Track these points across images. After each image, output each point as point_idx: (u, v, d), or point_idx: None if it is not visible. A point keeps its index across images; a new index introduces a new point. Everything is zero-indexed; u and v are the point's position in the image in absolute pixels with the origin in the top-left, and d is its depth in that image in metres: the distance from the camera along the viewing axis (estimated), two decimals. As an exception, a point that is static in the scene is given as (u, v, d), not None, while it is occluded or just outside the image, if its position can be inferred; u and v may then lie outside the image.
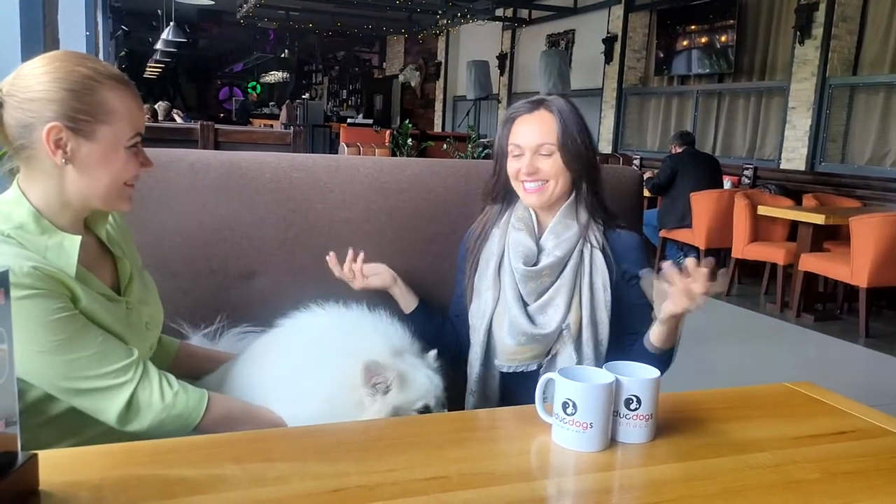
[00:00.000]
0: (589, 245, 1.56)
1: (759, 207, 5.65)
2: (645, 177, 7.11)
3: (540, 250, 1.57)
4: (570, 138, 1.53)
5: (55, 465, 0.91)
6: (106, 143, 1.15)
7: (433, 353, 1.42)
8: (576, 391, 1.05)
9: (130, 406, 1.14)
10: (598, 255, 1.55)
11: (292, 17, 11.14)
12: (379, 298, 1.57)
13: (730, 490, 0.96)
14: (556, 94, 1.65)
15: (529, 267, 1.54)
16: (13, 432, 0.85)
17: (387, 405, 1.22)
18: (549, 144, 1.53)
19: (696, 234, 6.24)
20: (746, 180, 7.10)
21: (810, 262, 5.14)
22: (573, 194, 1.57)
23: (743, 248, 5.84)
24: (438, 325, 1.67)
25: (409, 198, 1.81)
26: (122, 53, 14.07)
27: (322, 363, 1.29)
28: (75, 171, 1.14)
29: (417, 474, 0.96)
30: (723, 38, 7.98)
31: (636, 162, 8.65)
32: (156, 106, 9.39)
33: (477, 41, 12.29)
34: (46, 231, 1.15)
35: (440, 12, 9.64)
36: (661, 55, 8.91)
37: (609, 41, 9.35)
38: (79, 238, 1.17)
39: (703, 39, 8.27)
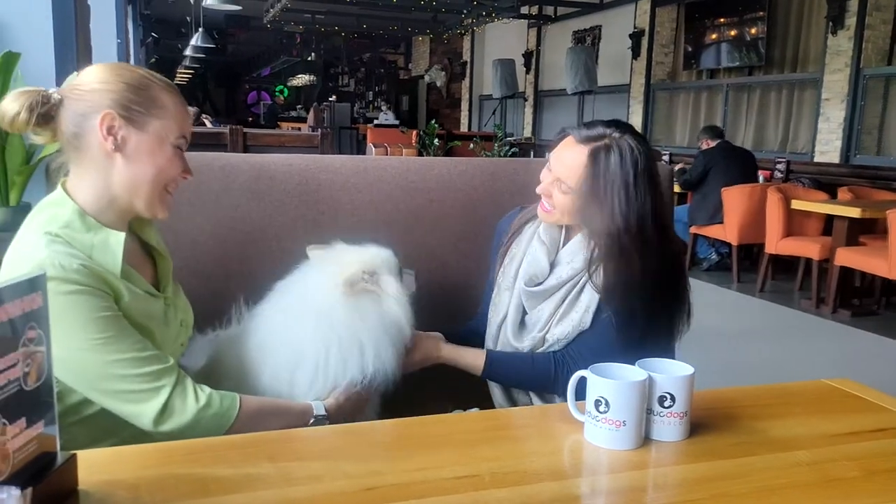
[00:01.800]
0: (589, 274, 1.45)
1: (793, 201, 5.55)
2: (675, 168, 7.05)
3: (554, 265, 1.52)
4: (596, 202, 1.38)
5: (93, 464, 0.93)
6: (155, 135, 1.20)
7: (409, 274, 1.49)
8: (608, 389, 1.04)
9: (165, 410, 1.16)
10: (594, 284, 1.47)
11: (318, 21, 11.21)
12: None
13: (766, 489, 0.95)
14: (624, 134, 1.41)
15: (530, 288, 1.53)
16: (52, 433, 0.86)
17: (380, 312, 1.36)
18: (567, 186, 1.43)
19: (728, 230, 6.15)
20: (779, 174, 6.98)
21: (846, 257, 5.04)
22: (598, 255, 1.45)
23: (776, 244, 5.75)
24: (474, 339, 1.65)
25: (437, 197, 1.82)
26: (153, 60, 14.29)
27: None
28: (123, 160, 1.19)
29: (449, 473, 0.96)
30: (753, 31, 7.87)
31: (665, 158, 8.57)
32: (186, 111, 9.52)
33: (502, 40, 12.26)
34: (92, 228, 1.19)
35: (465, 12, 9.62)
36: (690, 49, 8.81)
37: (636, 36, 9.27)
38: (123, 234, 1.21)
39: (733, 32, 8.15)
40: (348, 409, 1.32)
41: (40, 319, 0.83)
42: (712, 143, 6.43)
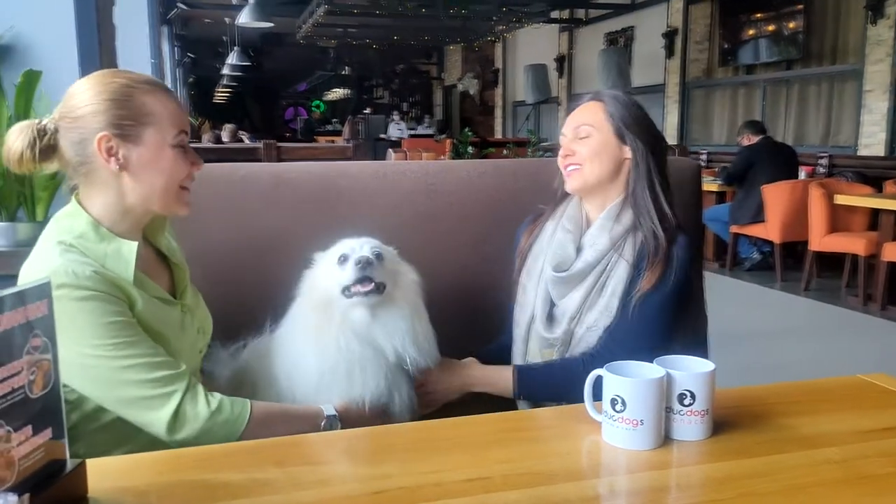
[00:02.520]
0: (618, 255, 1.48)
1: (837, 196, 5.40)
2: (718, 169, 6.91)
3: (579, 251, 1.52)
4: (624, 113, 1.50)
5: (104, 472, 0.93)
6: (153, 144, 1.20)
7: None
8: (624, 387, 1.01)
9: (177, 417, 1.15)
10: (623, 263, 1.47)
11: (350, 34, 11.34)
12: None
13: (793, 487, 0.91)
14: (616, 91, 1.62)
15: (558, 273, 1.51)
16: (61, 440, 0.86)
17: None
18: (588, 126, 1.50)
19: (770, 228, 6.01)
20: (822, 169, 6.81)
21: (894, 252, 4.87)
22: (623, 195, 1.51)
23: (820, 240, 5.59)
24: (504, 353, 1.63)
25: (457, 200, 1.80)
26: (191, 80, 14.59)
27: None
28: (130, 176, 1.20)
29: (460, 475, 0.93)
30: (791, 25, 7.71)
31: (703, 157, 8.42)
32: (223, 129, 9.70)
33: (534, 45, 12.22)
34: (105, 238, 1.20)
35: (494, 18, 9.62)
36: (726, 45, 8.66)
37: (669, 35, 9.16)
38: (136, 244, 1.22)
39: (771, 27, 8.00)
40: (363, 416, 1.30)
41: (46, 327, 0.84)
42: (754, 139, 6.29)
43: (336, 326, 1.33)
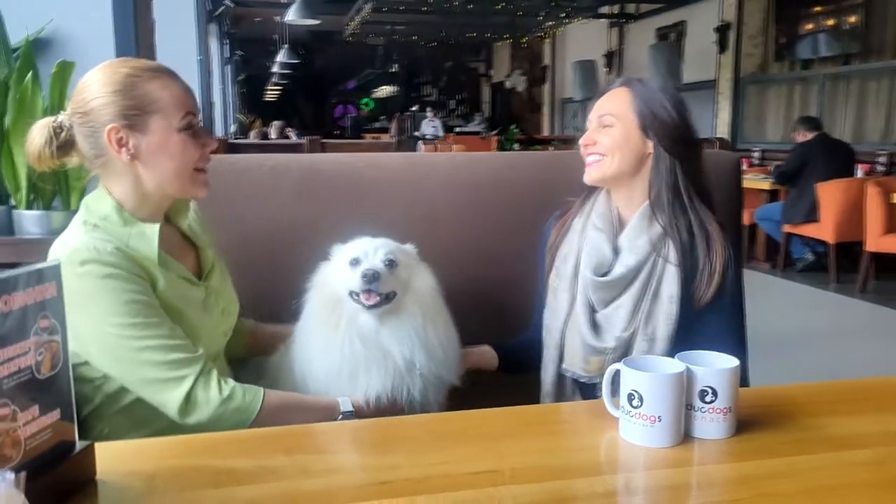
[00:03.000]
0: (662, 259, 1.41)
1: (895, 195, 5.19)
2: (773, 166, 6.71)
3: (616, 253, 1.44)
4: (650, 102, 1.42)
5: (115, 455, 0.94)
6: (160, 131, 1.21)
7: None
8: (641, 382, 0.97)
9: (189, 400, 1.17)
10: (670, 267, 1.40)
11: (397, 31, 11.38)
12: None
13: (819, 488, 0.86)
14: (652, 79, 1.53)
15: (599, 277, 1.43)
16: (70, 422, 0.87)
17: None
18: (611, 115, 1.42)
19: (824, 228, 5.81)
20: (880, 167, 6.54)
21: (956, 253, 4.66)
22: (660, 175, 1.42)
23: (877, 240, 5.38)
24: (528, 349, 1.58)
25: (487, 192, 1.77)
26: (241, 78, 14.84)
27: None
28: (142, 164, 1.22)
29: (469, 468, 0.91)
30: (851, 19, 7.43)
31: (755, 155, 8.20)
32: (270, 126, 9.85)
33: (583, 41, 12.07)
34: (128, 222, 1.23)
35: (542, 14, 9.53)
36: (783, 40, 8.40)
37: (722, 29, 8.93)
38: (157, 225, 1.24)
39: (830, 21, 7.73)
40: (381, 411, 1.29)
41: (54, 309, 0.85)
42: (809, 135, 6.08)
43: (343, 326, 1.32)
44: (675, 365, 1.00)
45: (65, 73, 1.79)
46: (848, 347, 4.29)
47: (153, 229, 1.23)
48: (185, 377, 1.16)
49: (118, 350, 1.16)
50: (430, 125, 12.97)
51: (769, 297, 5.62)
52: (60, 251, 1.17)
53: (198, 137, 1.25)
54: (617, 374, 1.03)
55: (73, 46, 1.95)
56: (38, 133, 1.22)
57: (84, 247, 1.15)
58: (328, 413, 1.25)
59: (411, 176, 1.75)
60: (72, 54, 1.88)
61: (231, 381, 1.20)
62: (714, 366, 1.02)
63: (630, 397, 0.98)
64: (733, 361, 1.02)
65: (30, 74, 1.86)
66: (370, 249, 1.37)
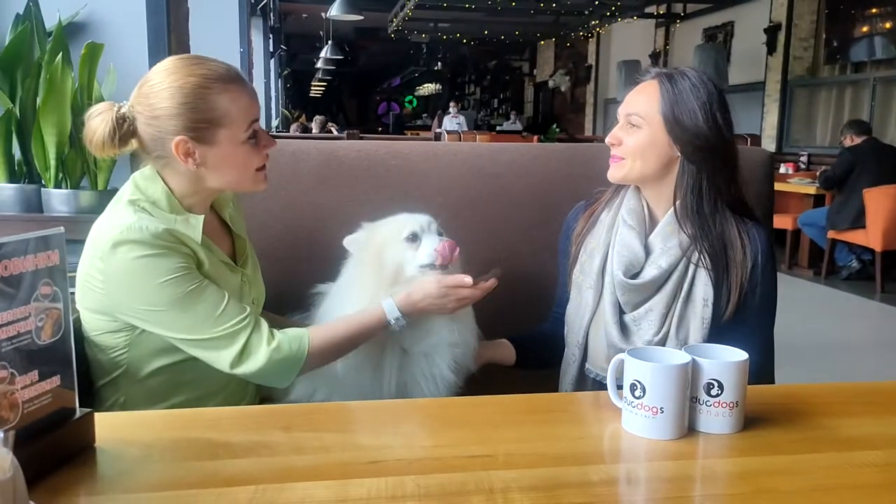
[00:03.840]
0: (693, 264, 1.36)
1: (946, 203, 5.01)
2: (818, 172, 6.54)
3: (647, 253, 1.39)
4: (681, 110, 1.32)
5: (116, 425, 0.96)
6: (227, 143, 1.23)
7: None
8: (644, 372, 0.95)
9: (243, 353, 1.19)
10: (702, 270, 1.36)
11: (441, 29, 11.38)
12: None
13: (821, 487, 0.83)
14: (694, 69, 1.40)
15: (629, 280, 1.38)
16: (70, 389, 0.89)
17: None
18: (639, 116, 1.35)
19: (871, 235, 5.64)
20: (933, 174, 6.32)
21: None
22: (686, 183, 1.36)
23: (927, 249, 5.21)
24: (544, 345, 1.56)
25: (508, 183, 1.76)
26: (286, 72, 15.02)
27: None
28: (207, 171, 1.25)
29: (463, 451, 0.91)
30: (907, 22, 7.20)
31: (803, 159, 8.00)
32: (313, 121, 9.95)
33: (628, 41, 11.92)
34: (175, 210, 1.25)
35: (587, 12, 9.44)
36: (835, 43, 8.18)
37: (772, 30, 8.73)
38: (202, 216, 1.27)
39: (887, 24, 7.48)
40: (429, 301, 1.30)
41: (56, 276, 0.86)
42: (858, 140, 5.90)
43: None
44: (681, 356, 0.98)
45: (94, 54, 1.83)
46: (891, 359, 4.15)
47: (197, 219, 1.25)
48: (241, 331, 1.19)
49: (172, 320, 1.18)
50: (454, 122, 12.19)
51: (811, 304, 5.48)
52: (107, 230, 1.19)
53: (259, 141, 1.27)
54: (621, 363, 1.01)
55: (106, 30, 1.99)
56: (100, 122, 1.22)
57: (134, 226, 1.17)
58: (378, 325, 1.27)
59: (433, 165, 1.74)
60: (105, 38, 1.92)
61: (277, 334, 1.22)
62: (721, 358, 0.99)
63: (633, 387, 0.96)
64: (741, 355, 0.99)
65: (59, 56, 1.90)
66: (424, 224, 1.41)
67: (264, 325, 1.23)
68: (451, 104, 13.96)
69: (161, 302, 1.18)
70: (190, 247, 1.22)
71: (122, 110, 1.22)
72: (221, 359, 1.20)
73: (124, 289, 1.18)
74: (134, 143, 1.25)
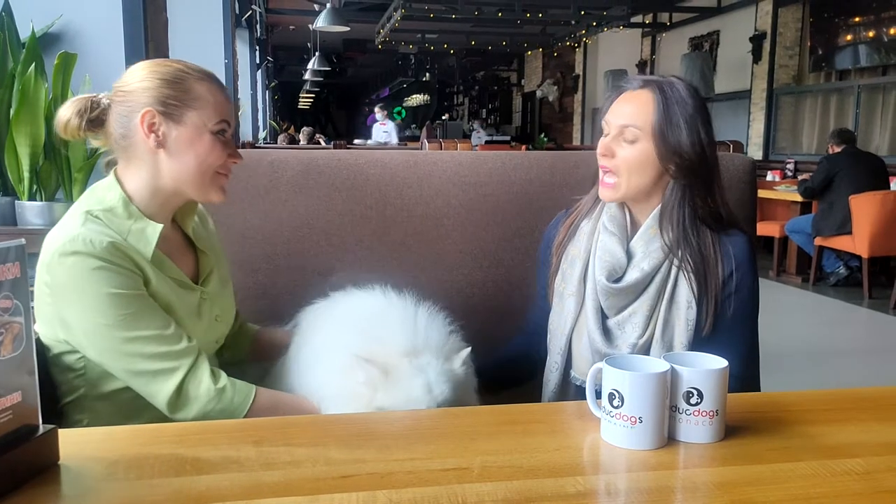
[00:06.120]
0: (677, 266, 1.35)
1: (932, 209, 5.04)
2: (799, 179, 6.58)
3: (629, 257, 1.38)
4: (672, 127, 1.30)
5: (81, 441, 0.93)
6: (193, 126, 1.21)
7: (464, 352, 1.23)
8: (622, 381, 0.94)
9: (180, 393, 1.16)
10: (687, 272, 1.35)
11: (428, 40, 11.41)
12: (432, 288, 1.45)
13: (799, 497, 0.81)
14: (680, 79, 1.38)
15: (612, 284, 1.37)
16: (32, 405, 0.86)
17: (370, 404, 1.14)
18: (636, 129, 1.31)
19: (858, 241, 5.65)
20: (918, 180, 6.36)
21: None
22: (673, 198, 1.35)
23: (913, 255, 5.22)
24: (524, 356, 1.54)
25: (490, 192, 1.75)
26: (273, 84, 15.00)
27: (334, 348, 1.24)
28: (166, 154, 1.22)
29: (437, 465, 0.88)
30: (892, 31, 7.26)
31: (790, 166, 8.04)
32: (300, 132, 9.93)
33: (615, 50, 11.99)
34: (133, 216, 1.22)
35: (573, 22, 9.48)
36: (820, 51, 8.24)
37: (757, 39, 8.80)
38: (160, 226, 1.23)
39: (870, 32, 7.55)
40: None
41: (17, 289, 0.84)
42: (838, 149, 5.95)
43: None
44: (659, 364, 0.96)
45: (68, 64, 1.80)
46: (880, 365, 4.16)
47: (154, 228, 1.22)
48: (176, 370, 1.16)
49: (110, 342, 1.15)
50: (381, 130, 10.84)
51: (800, 311, 5.49)
52: (55, 237, 1.17)
53: (227, 146, 1.25)
54: (600, 372, 0.99)
55: (82, 40, 1.97)
56: (72, 103, 1.22)
57: (80, 238, 1.14)
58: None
59: (414, 174, 1.73)
60: (81, 48, 1.91)
61: (223, 379, 1.19)
62: (701, 366, 0.98)
63: (611, 397, 0.94)
64: (721, 362, 0.98)
65: (33, 66, 1.87)
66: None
67: (205, 368, 1.19)
68: (377, 108, 12.04)
69: (100, 321, 1.14)
70: (137, 262, 1.18)
71: (100, 96, 1.24)
72: (158, 397, 1.16)
73: (67, 303, 1.15)
74: (100, 138, 1.25)
